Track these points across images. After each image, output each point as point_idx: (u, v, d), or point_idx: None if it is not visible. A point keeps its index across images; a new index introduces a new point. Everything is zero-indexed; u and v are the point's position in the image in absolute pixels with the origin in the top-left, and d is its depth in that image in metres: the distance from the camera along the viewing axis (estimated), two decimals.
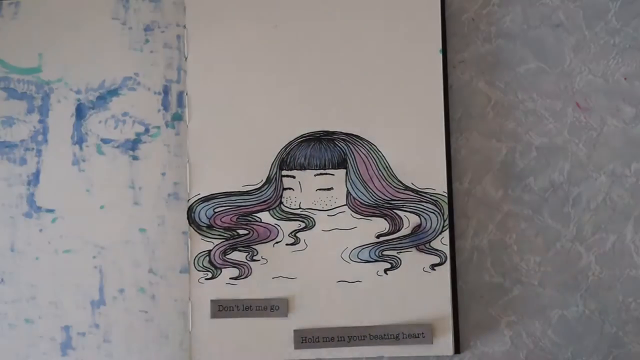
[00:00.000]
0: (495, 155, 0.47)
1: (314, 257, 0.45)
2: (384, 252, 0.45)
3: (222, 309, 0.45)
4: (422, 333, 0.44)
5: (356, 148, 0.46)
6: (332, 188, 0.46)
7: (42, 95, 0.47)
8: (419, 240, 0.45)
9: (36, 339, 0.46)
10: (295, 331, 0.45)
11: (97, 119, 0.47)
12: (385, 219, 0.45)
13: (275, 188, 0.46)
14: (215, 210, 0.45)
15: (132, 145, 0.47)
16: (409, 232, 0.45)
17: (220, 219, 0.46)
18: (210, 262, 0.45)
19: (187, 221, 0.46)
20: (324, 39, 0.46)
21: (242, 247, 0.45)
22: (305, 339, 0.45)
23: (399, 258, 0.45)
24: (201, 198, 0.46)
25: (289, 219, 0.46)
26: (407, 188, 0.45)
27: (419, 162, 0.45)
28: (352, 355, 0.45)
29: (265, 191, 0.46)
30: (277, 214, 0.46)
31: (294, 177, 0.46)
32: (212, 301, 0.45)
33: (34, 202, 0.46)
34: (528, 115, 0.47)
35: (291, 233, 0.45)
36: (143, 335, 0.46)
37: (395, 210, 0.45)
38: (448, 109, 0.46)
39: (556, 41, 0.47)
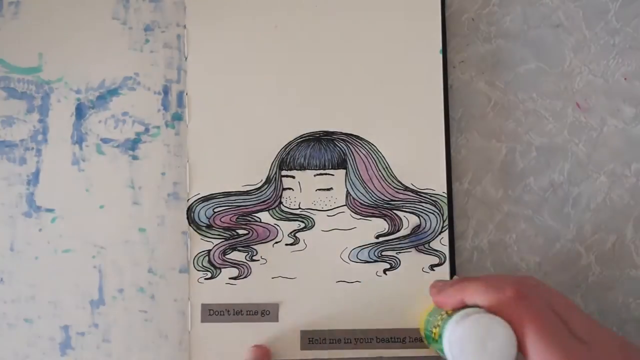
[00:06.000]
0: (495, 155, 0.47)
1: (314, 257, 0.45)
2: (383, 253, 0.45)
3: (212, 313, 0.45)
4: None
5: (356, 148, 0.46)
6: (331, 188, 0.46)
7: (42, 94, 0.47)
8: (418, 240, 0.45)
9: (35, 339, 0.46)
10: (302, 332, 0.45)
11: (97, 119, 0.47)
12: (385, 220, 0.45)
13: (274, 188, 0.46)
14: (215, 210, 0.45)
15: (131, 145, 0.47)
16: (409, 232, 0.45)
17: (220, 219, 0.45)
18: (209, 262, 0.45)
19: (186, 221, 0.46)
20: (324, 39, 0.46)
21: (242, 247, 0.45)
22: (312, 340, 0.45)
23: (398, 258, 0.45)
24: (201, 198, 0.46)
25: (289, 219, 0.45)
26: (406, 188, 0.45)
27: (419, 163, 0.45)
28: (353, 356, 0.45)
29: (264, 191, 0.46)
30: (277, 214, 0.46)
31: (293, 177, 0.46)
32: (202, 305, 0.45)
33: (33, 202, 0.46)
34: (528, 115, 0.47)
35: (291, 233, 0.45)
36: (142, 335, 0.46)
37: (394, 211, 0.45)
38: (448, 109, 0.46)
39: (556, 41, 0.47)
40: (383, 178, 0.45)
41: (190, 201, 0.46)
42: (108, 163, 0.47)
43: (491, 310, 0.34)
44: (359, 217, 0.45)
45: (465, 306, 0.36)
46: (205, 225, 0.45)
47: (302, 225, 0.45)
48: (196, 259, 0.45)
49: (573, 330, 0.33)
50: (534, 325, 0.32)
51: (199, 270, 0.45)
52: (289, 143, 0.46)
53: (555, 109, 0.47)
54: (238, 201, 0.45)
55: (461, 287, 0.36)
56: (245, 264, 0.45)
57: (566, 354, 0.31)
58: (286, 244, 0.45)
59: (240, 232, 0.45)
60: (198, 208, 0.45)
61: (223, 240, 0.45)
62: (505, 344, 0.33)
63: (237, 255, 0.45)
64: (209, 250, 0.45)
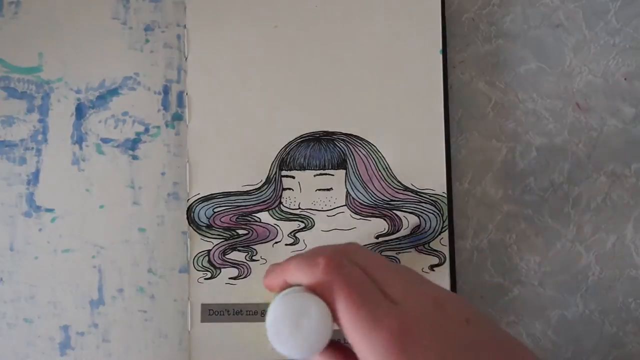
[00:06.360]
0: (495, 155, 0.47)
1: None
2: (383, 253, 0.45)
3: (212, 313, 0.45)
4: None
5: (356, 148, 0.46)
6: (331, 188, 0.45)
7: (42, 94, 0.47)
8: (418, 241, 0.45)
9: (35, 339, 0.46)
10: None
11: (97, 119, 0.47)
12: (385, 220, 0.45)
13: (274, 188, 0.46)
14: (215, 210, 0.45)
15: (131, 145, 0.47)
16: (408, 232, 0.45)
17: (220, 219, 0.45)
18: (209, 262, 0.45)
19: (186, 221, 0.46)
20: (324, 39, 0.46)
21: (242, 247, 0.45)
22: None
23: (398, 259, 0.45)
24: (201, 198, 0.45)
25: (289, 219, 0.45)
26: (406, 189, 0.45)
27: (419, 163, 0.45)
28: None
29: (264, 191, 0.46)
30: (277, 214, 0.46)
31: (293, 177, 0.46)
32: (202, 305, 0.45)
33: (33, 202, 0.46)
34: (528, 115, 0.47)
35: (290, 233, 0.45)
36: (142, 335, 0.46)
37: (394, 211, 0.45)
38: (448, 109, 0.46)
39: (556, 41, 0.47)
40: (383, 178, 0.45)
41: (190, 201, 0.46)
42: (108, 163, 0.47)
43: (308, 285, 0.33)
44: (358, 217, 0.45)
45: (289, 286, 0.34)
46: (205, 225, 0.45)
47: (302, 225, 0.45)
48: (196, 259, 0.45)
49: (387, 292, 0.32)
50: (343, 293, 0.31)
51: (198, 270, 0.45)
52: (289, 143, 0.46)
53: (555, 109, 0.47)
54: (238, 201, 0.45)
55: (284, 266, 0.35)
56: (245, 264, 0.45)
57: (374, 317, 0.30)
58: (286, 244, 0.45)
59: (240, 232, 0.45)
60: (198, 208, 0.45)
61: (223, 240, 0.45)
62: (319, 321, 0.31)
63: (237, 255, 0.45)
64: (209, 250, 0.45)
